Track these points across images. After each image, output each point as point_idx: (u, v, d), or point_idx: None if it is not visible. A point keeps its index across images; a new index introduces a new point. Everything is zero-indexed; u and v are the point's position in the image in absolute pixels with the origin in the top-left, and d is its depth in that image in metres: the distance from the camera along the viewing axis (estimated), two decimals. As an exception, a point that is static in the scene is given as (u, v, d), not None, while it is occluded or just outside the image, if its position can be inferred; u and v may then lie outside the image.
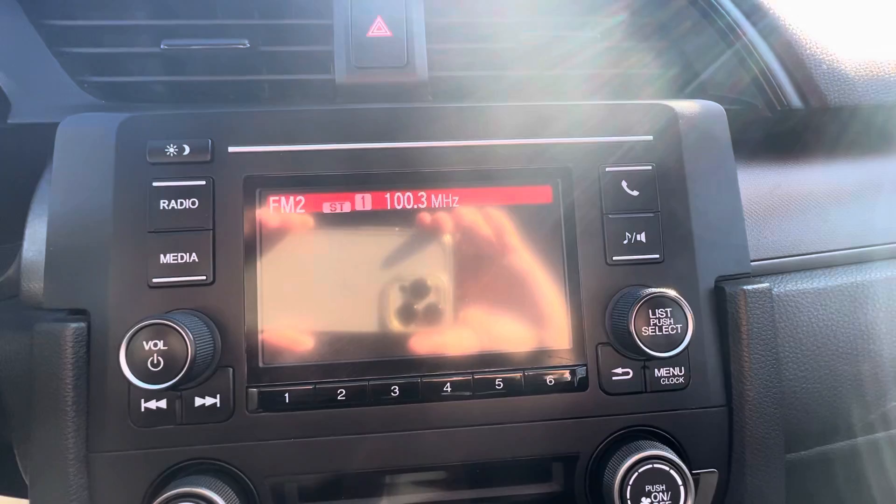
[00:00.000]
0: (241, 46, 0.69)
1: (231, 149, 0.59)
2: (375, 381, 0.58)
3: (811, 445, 0.75)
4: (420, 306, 0.59)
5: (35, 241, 0.62)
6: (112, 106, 0.70)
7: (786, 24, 0.71)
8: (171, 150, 0.58)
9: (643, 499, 0.56)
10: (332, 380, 0.58)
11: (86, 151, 0.59)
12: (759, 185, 0.73)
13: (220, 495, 0.52)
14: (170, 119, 0.59)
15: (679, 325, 0.57)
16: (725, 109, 0.68)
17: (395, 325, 0.59)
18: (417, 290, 0.60)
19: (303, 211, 0.60)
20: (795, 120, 0.73)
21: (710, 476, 0.62)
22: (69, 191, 0.59)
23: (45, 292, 0.58)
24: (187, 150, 0.59)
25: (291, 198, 0.59)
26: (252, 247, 0.58)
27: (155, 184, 0.58)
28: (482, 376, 0.59)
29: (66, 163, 0.59)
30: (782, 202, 0.73)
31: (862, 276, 0.71)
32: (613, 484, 0.56)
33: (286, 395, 0.57)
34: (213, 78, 0.72)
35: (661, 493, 0.56)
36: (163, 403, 0.56)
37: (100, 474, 0.56)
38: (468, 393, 0.58)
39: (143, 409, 0.56)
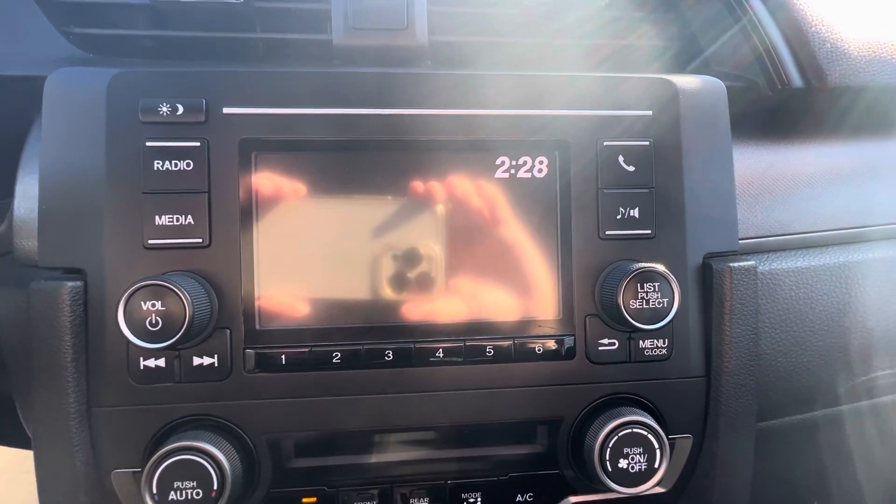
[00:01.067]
0: (235, 1, 0.66)
1: (226, 110, 0.58)
2: (370, 345, 0.59)
3: (782, 415, 0.79)
4: (414, 274, 0.60)
5: (26, 198, 0.62)
6: (99, 60, 0.68)
7: (793, 1, 0.69)
8: (165, 108, 0.57)
9: (621, 460, 0.59)
10: (327, 343, 0.59)
11: (75, 107, 0.57)
12: (753, 163, 0.73)
13: (218, 449, 0.55)
14: (162, 76, 0.58)
15: (665, 300, 0.59)
16: (726, 86, 0.67)
17: (390, 292, 0.60)
18: (412, 257, 0.60)
19: (299, 176, 0.59)
20: (795, 99, 0.73)
21: (685, 441, 0.66)
22: (60, 148, 0.57)
23: (39, 251, 0.57)
24: (181, 109, 0.57)
25: (288, 162, 0.59)
26: (248, 211, 0.58)
27: (148, 144, 0.57)
28: (473, 343, 0.61)
29: (55, 118, 0.58)
30: (774, 182, 0.74)
31: (845, 256, 0.73)
32: (594, 446, 0.60)
33: (282, 356, 0.58)
34: (204, 34, 0.69)
35: (638, 456, 0.59)
36: (161, 362, 0.57)
37: (101, 428, 0.58)
38: (459, 359, 0.61)
39: (142, 367, 0.57)
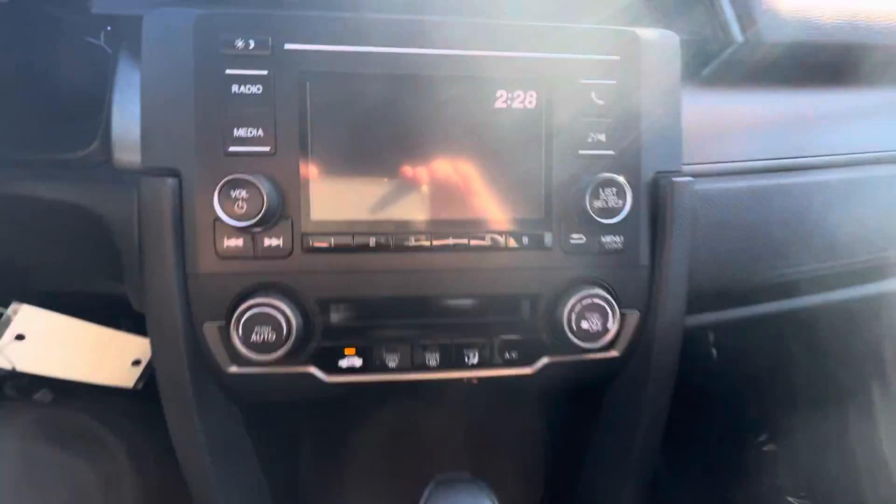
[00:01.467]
0: None
1: (287, 46, 0.74)
2: (398, 235, 0.78)
3: (714, 308, 1.01)
4: (436, 178, 0.78)
5: (122, 119, 0.78)
6: (167, 1, 0.82)
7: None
8: (240, 43, 0.73)
9: (583, 322, 0.80)
10: (365, 232, 0.78)
11: (169, 42, 0.73)
12: (700, 106, 0.91)
13: (286, 306, 0.74)
14: (237, 17, 0.73)
15: (621, 201, 0.78)
16: (681, 40, 0.84)
17: (416, 194, 0.78)
18: (434, 167, 0.78)
19: (346, 100, 0.76)
20: (738, 52, 0.90)
21: (633, 315, 0.87)
22: (157, 75, 0.73)
23: (143, 156, 0.74)
24: (252, 44, 0.73)
25: (338, 88, 0.75)
26: (304, 127, 0.75)
27: (227, 71, 0.73)
28: (476, 236, 0.80)
29: (152, 51, 0.73)
30: (716, 121, 0.92)
31: (767, 181, 0.93)
32: (563, 313, 0.80)
33: (331, 240, 0.77)
34: None
35: (596, 319, 0.80)
36: (240, 242, 0.75)
37: (195, 290, 0.77)
38: (465, 248, 0.80)
39: (225, 246, 0.75)
